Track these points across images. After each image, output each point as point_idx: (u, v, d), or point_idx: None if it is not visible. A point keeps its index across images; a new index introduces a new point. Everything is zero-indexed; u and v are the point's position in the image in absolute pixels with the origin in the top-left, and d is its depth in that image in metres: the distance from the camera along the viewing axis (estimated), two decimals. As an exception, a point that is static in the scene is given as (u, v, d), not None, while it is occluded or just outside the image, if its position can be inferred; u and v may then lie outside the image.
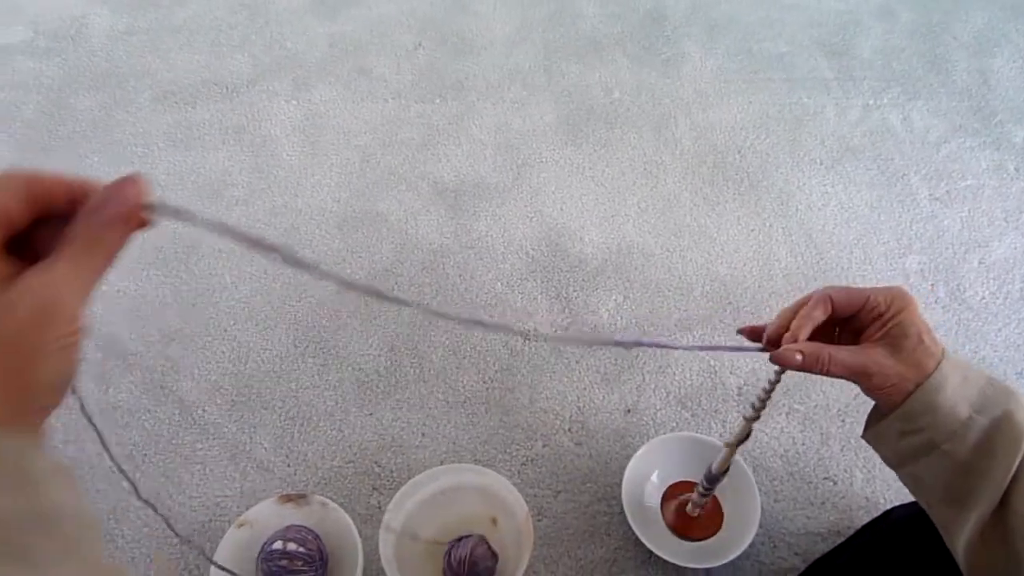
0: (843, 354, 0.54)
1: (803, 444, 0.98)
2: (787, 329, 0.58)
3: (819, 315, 0.57)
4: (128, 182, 0.32)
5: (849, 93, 1.46)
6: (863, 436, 0.59)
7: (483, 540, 0.85)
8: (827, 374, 0.55)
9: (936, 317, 1.12)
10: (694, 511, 0.86)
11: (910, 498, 0.59)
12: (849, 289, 0.57)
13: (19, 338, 0.29)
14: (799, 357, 0.55)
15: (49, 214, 0.33)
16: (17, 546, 0.28)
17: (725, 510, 0.90)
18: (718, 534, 0.88)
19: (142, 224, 0.33)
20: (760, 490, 0.90)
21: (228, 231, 0.34)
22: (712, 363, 1.06)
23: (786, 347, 0.56)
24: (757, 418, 0.67)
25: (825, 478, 0.95)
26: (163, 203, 0.33)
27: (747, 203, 1.27)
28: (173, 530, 0.52)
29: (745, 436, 0.70)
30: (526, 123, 1.39)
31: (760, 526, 0.86)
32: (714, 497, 0.89)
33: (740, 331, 0.63)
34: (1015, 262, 1.19)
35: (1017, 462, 0.50)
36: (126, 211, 0.32)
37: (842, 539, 0.88)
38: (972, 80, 1.50)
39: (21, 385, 0.30)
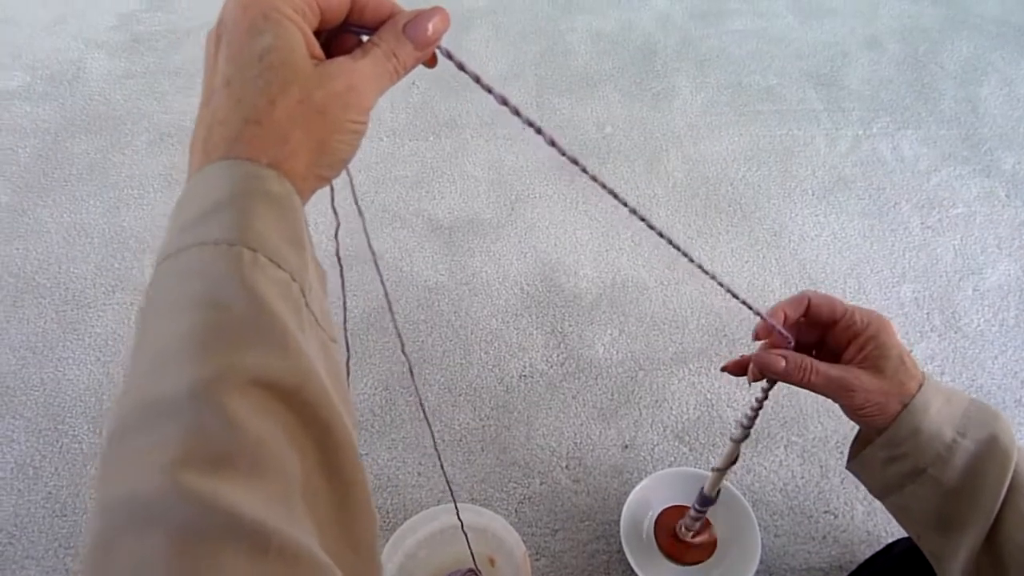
0: (826, 366, 0.54)
1: (802, 477, 0.97)
2: (766, 335, 0.58)
3: (792, 311, 0.56)
4: (436, 13, 0.36)
5: (839, 124, 1.48)
6: (848, 467, 0.58)
7: (471, 572, 0.84)
8: (809, 384, 0.54)
9: (932, 346, 1.12)
10: (686, 534, 0.85)
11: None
12: (828, 295, 0.57)
13: (328, 107, 0.33)
14: (783, 363, 0.55)
15: (358, 22, 0.37)
16: (296, 299, 0.31)
17: (719, 535, 0.89)
18: (717, 566, 0.87)
19: (431, 62, 0.38)
20: (760, 525, 0.89)
21: (503, 100, 0.40)
22: (709, 397, 1.05)
23: (769, 351, 0.56)
24: (746, 437, 0.66)
25: (826, 512, 0.94)
26: (451, 52, 0.37)
27: (740, 235, 1.27)
28: None
29: (734, 459, 0.70)
30: (519, 159, 1.40)
31: (761, 562, 0.85)
32: (707, 521, 0.88)
33: (724, 368, 0.63)
34: (1009, 289, 1.19)
35: (1006, 486, 0.49)
36: (424, 40, 0.36)
37: (844, 574, 0.87)
38: (960, 108, 1.51)
39: (320, 148, 0.34)
